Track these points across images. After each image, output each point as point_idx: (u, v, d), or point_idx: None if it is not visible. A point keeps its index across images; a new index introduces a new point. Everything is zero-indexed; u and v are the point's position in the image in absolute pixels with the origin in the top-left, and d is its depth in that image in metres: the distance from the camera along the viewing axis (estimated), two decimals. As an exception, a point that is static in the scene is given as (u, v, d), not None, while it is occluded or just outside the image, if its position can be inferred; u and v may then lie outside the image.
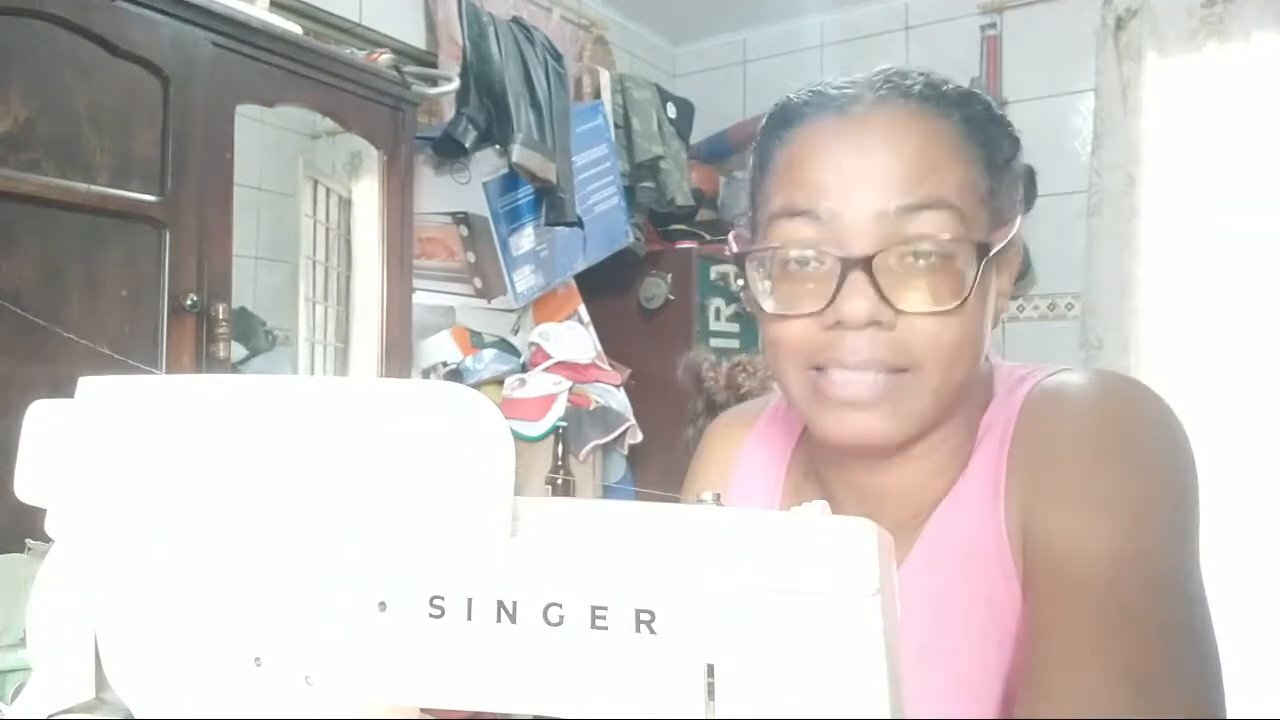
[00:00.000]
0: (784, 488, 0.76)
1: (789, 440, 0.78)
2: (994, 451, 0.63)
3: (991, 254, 0.59)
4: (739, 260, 0.65)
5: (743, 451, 0.80)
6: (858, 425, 0.61)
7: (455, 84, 2.22)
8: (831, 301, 0.59)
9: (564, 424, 2.31)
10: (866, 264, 0.58)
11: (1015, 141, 0.65)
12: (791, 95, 0.65)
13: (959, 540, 0.63)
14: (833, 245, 0.59)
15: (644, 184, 2.77)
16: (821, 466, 0.72)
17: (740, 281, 0.66)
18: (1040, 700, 0.53)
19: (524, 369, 2.40)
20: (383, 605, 0.34)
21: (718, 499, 0.35)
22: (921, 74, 0.63)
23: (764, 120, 0.67)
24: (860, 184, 0.59)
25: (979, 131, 0.62)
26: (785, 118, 0.65)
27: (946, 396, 0.61)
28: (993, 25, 2.94)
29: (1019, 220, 0.64)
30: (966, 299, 0.58)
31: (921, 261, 0.58)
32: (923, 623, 0.62)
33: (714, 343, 2.70)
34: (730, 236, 0.70)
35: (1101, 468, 0.57)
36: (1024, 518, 0.59)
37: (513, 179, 2.39)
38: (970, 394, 0.65)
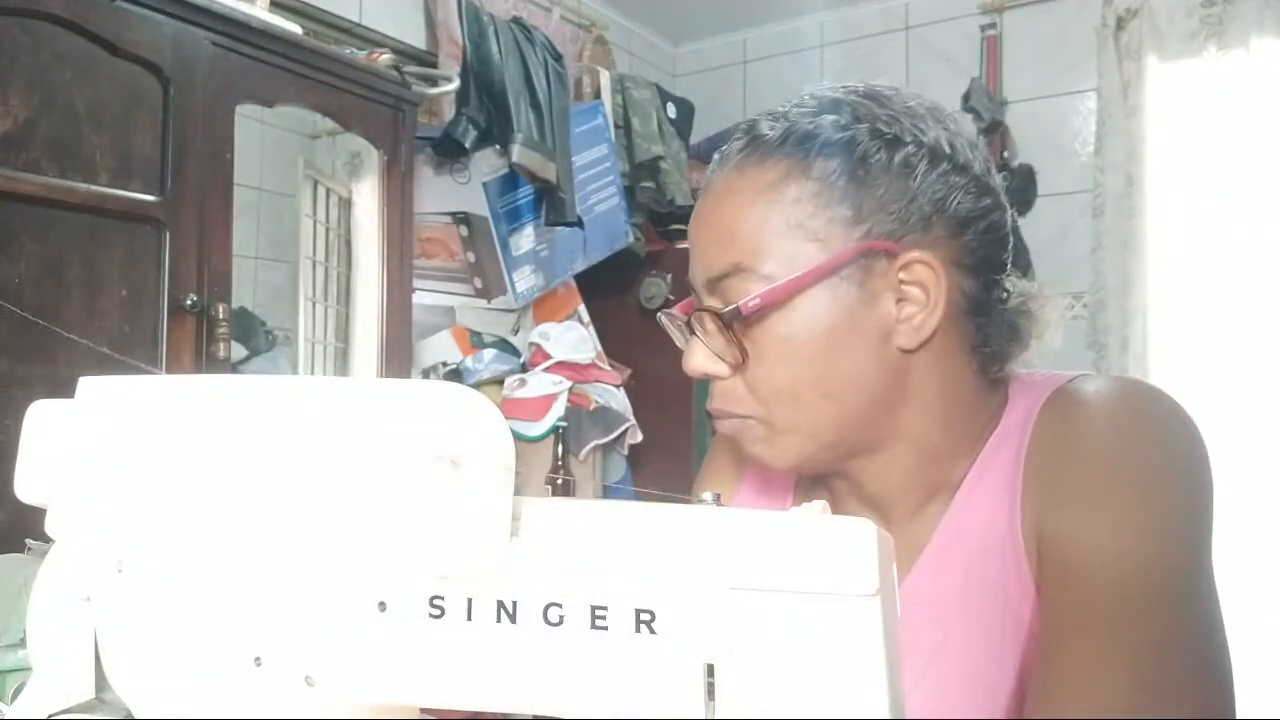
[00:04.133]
0: (794, 495, 0.76)
1: None
2: (1011, 454, 0.63)
3: (751, 313, 0.61)
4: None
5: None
6: (752, 455, 0.66)
7: (455, 84, 2.22)
8: None
9: (564, 424, 2.31)
10: (689, 324, 0.66)
11: (896, 142, 0.62)
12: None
13: (974, 540, 0.63)
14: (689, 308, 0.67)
15: (644, 184, 2.77)
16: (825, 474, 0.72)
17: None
18: (1052, 701, 0.54)
19: (524, 369, 2.40)
20: (383, 605, 0.34)
21: (717, 499, 0.35)
22: (768, 118, 0.65)
23: None
24: (694, 256, 0.66)
25: (817, 165, 0.61)
26: None
27: (813, 434, 0.63)
28: (993, 25, 2.94)
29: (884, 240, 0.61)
30: (748, 354, 0.62)
31: (712, 325, 0.64)
32: (939, 619, 0.63)
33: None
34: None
35: (1116, 471, 0.58)
36: (1039, 519, 0.60)
37: (513, 179, 2.39)
38: (916, 408, 0.64)
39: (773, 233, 0.61)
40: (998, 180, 0.66)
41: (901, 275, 0.61)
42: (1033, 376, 0.68)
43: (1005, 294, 0.67)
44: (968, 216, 0.62)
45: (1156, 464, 0.58)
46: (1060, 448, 0.60)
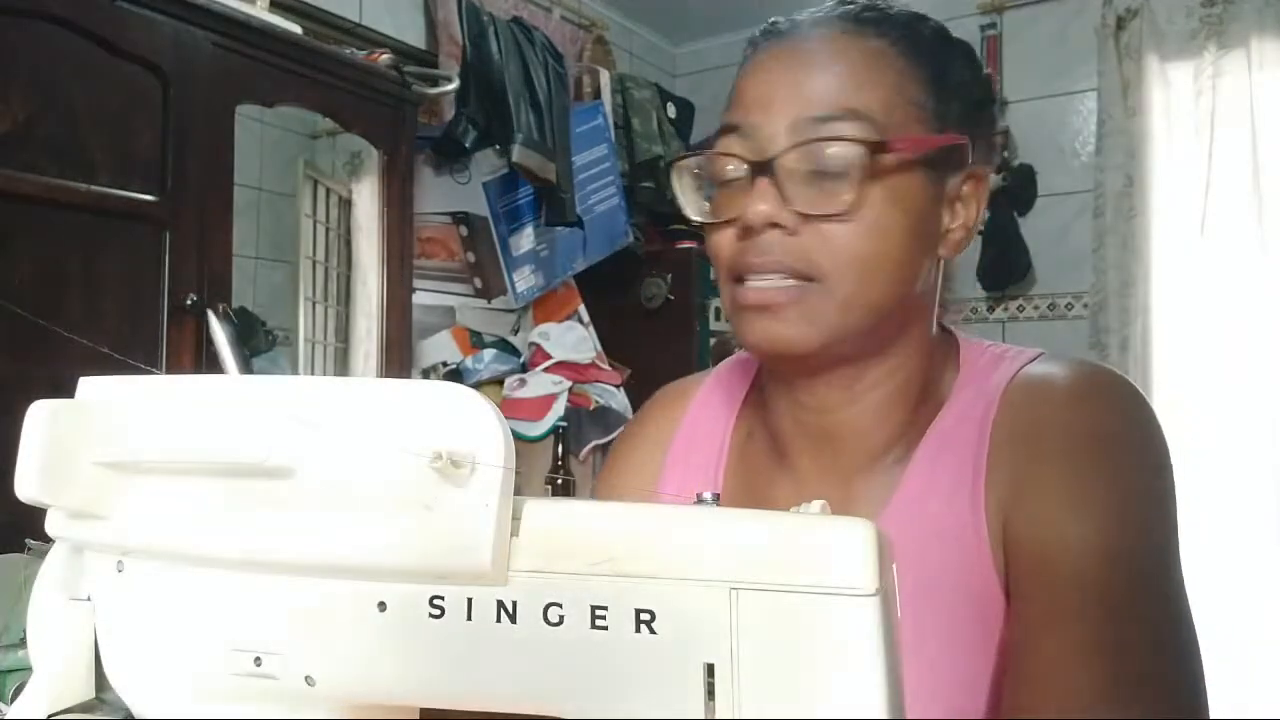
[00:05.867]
0: (730, 444, 0.75)
1: (734, 401, 0.77)
2: (974, 439, 0.62)
3: (913, 160, 0.60)
4: (668, 171, 0.67)
5: (685, 417, 0.78)
6: (770, 331, 0.61)
7: (455, 84, 2.22)
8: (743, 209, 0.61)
9: (564, 424, 2.31)
10: (769, 167, 0.60)
11: (973, 65, 0.66)
12: (755, 32, 0.68)
13: (930, 524, 0.62)
14: (750, 154, 0.61)
15: (644, 184, 2.77)
16: (774, 414, 0.71)
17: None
18: (1025, 697, 0.54)
19: (524, 369, 2.40)
20: (382, 605, 0.34)
21: (717, 499, 0.35)
22: (856, 3, 0.65)
23: None
24: (780, 97, 0.61)
25: (924, 51, 0.63)
26: (745, 55, 0.68)
27: (861, 311, 0.61)
28: (993, 25, 2.94)
29: (969, 143, 0.63)
30: (859, 203, 0.58)
31: (826, 169, 0.59)
32: (903, 604, 0.61)
33: (715, 343, 2.70)
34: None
35: (1082, 465, 0.58)
36: (1005, 511, 0.59)
37: (513, 179, 2.39)
38: (913, 333, 0.65)
39: (891, 94, 0.60)
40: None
41: (965, 186, 0.64)
42: (985, 348, 0.67)
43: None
44: (994, 144, 0.67)
45: (1122, 455, 0.58)
46: (1025, 439, 0.60)
